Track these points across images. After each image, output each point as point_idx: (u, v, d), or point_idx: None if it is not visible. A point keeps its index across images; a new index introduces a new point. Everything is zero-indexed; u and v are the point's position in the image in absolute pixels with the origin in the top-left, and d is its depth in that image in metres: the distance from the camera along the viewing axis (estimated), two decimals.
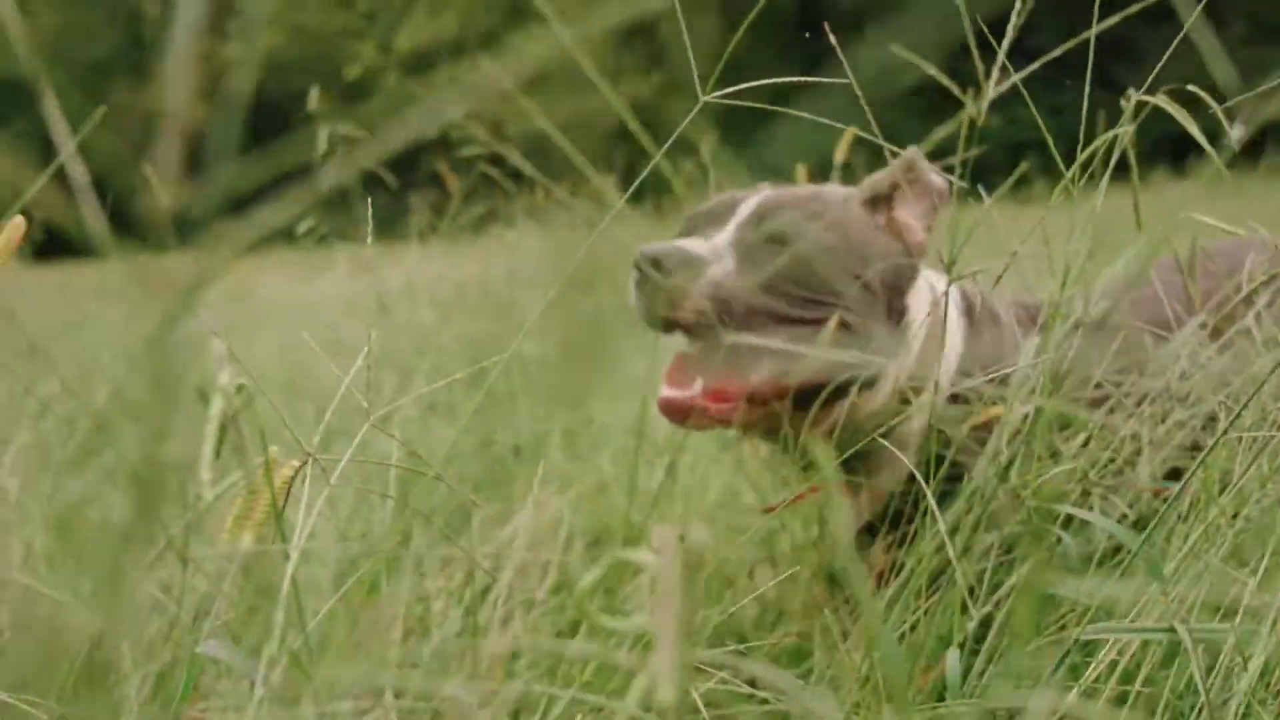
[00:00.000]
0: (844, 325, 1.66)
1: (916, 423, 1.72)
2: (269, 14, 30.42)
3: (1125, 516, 1.51)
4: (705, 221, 1.74)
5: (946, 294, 1.66)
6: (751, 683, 1.36)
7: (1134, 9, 1.32)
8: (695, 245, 1.62)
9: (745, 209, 1.72)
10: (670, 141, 1.45)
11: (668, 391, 1.63)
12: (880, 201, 1.82)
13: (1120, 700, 1.24)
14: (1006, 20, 1.39)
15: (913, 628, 1.43)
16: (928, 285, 1.82)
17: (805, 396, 1.69)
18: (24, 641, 1.75)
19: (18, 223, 1.55)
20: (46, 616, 1.72)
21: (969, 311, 1.84)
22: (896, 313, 1.73)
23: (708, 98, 1.23)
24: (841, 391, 1.70)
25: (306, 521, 1.20)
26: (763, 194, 1.75)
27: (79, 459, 2.57)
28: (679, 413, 1.62)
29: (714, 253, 1.62)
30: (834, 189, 1.82)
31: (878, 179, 1.80)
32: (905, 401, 1.73)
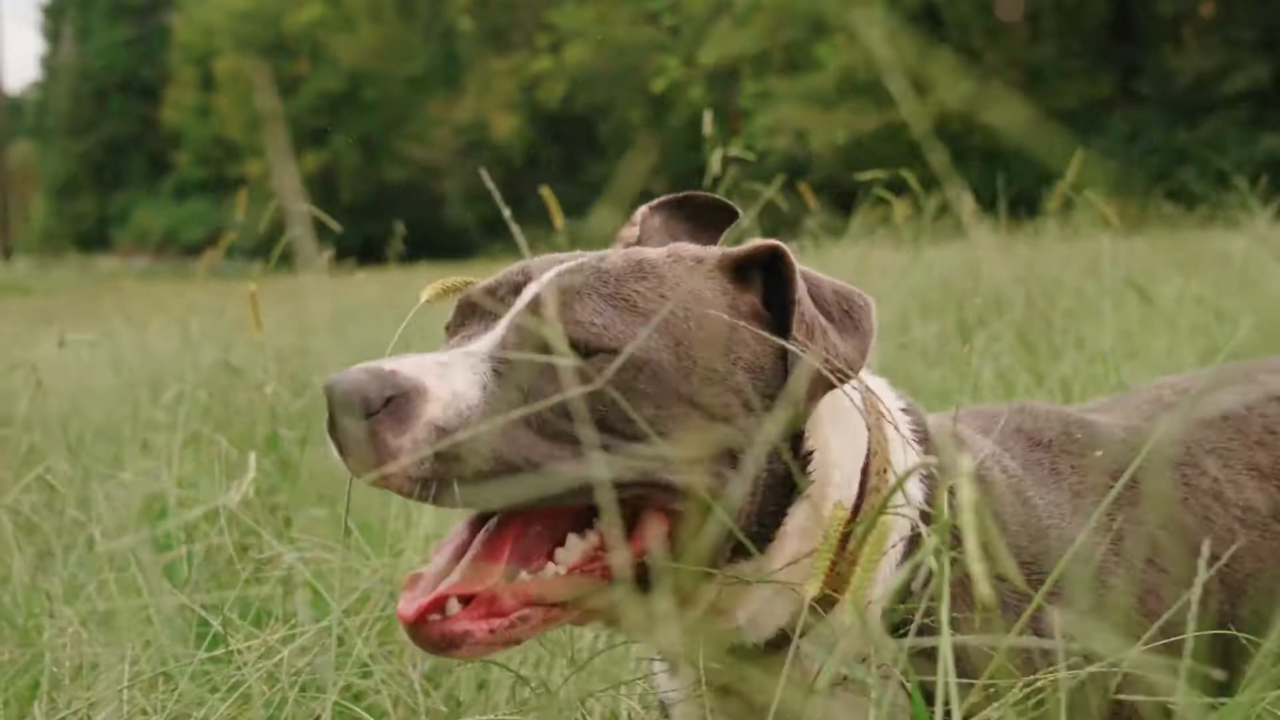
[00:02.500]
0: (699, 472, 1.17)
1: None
2: (577, 29, 31.16)
3: None
4: (475, 313, 1.26)
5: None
6: None
7: None
8: (423, 364, 1.13)
9: (528, 295, 1.22)
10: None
11: (407, 603, 1.16)
12: (753, 272, 1.28)
13: None
14: None
15: None
16: (853, 393, 1.31)
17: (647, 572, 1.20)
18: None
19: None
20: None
21: (922, 439, 1.37)
22: (790, 446, 1.24)
23: None
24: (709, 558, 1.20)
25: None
26: (560, 269, 1.24)
27: None
28: (430, 641, 1.15)
29: (449, 376, 1.13)
30: (682, 252, 1.29)
31: (752, 247, 1.28)
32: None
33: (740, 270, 1.27)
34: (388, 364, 1.11)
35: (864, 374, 1.35)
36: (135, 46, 45.15)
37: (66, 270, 28.01)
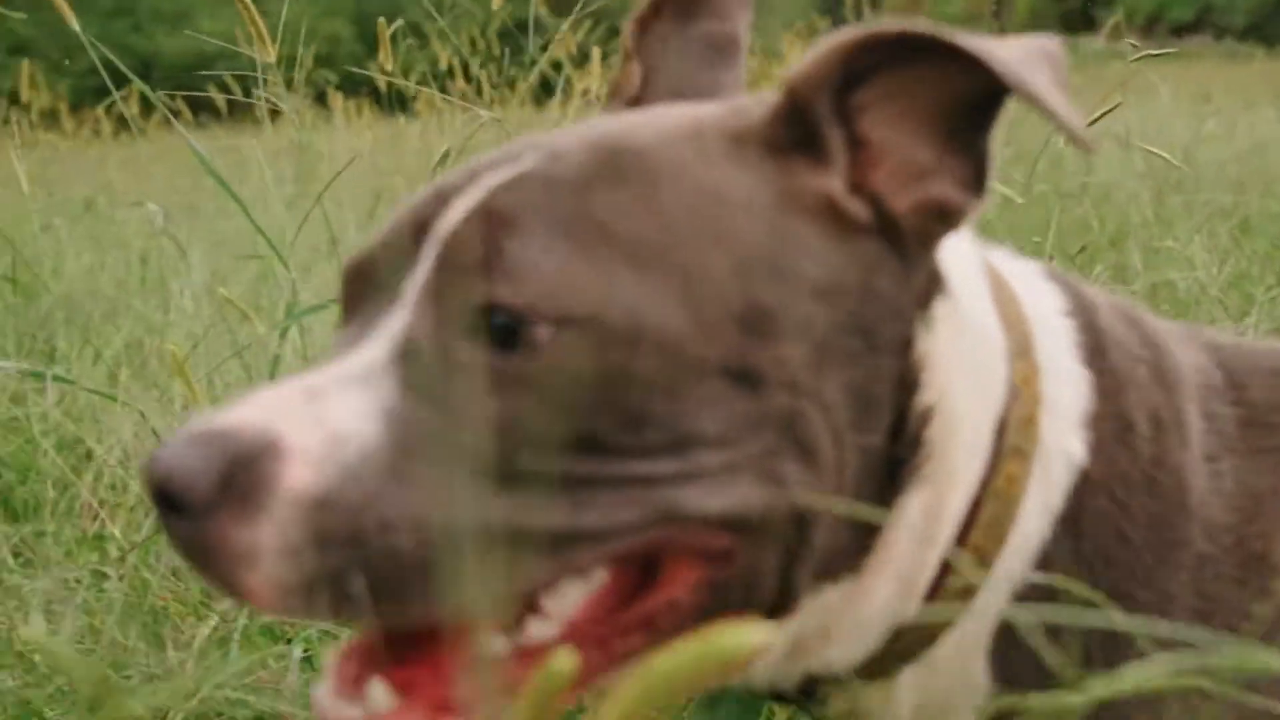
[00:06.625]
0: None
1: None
2: None
3: None
4: (371, 284, 0.75)
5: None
6: None
7: None
8: (281, 400, 0.67)
9: (439, 238, 0.71)
10: None
11: (329, 692, 0.70)
12: (800, 135, 0.75)
13: None
14: None
15: None
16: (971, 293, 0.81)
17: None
18: None
19: None
20: None
21: (1094, 353, 0.84)
22: (894, 400, 0.75)
23: None
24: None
25: None
26: (488, 184, 0.72)
27: None
28: None
29: (322, 409, 0.67)
30: (685, 121, 0.77)
31: (803, 73, 0.75)
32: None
33: (796, 129, 0.75)
34: (224, 414, 0.66)
35: (1000, 259, 0.87)
36: None
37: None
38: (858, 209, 0.74)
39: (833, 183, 0.74)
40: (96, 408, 1.92)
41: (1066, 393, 0.82)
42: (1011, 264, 0.88)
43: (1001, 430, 0.79)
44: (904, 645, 0.80)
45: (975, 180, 0.75)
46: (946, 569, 0.78)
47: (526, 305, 0.67)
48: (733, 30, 0.96)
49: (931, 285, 0.77)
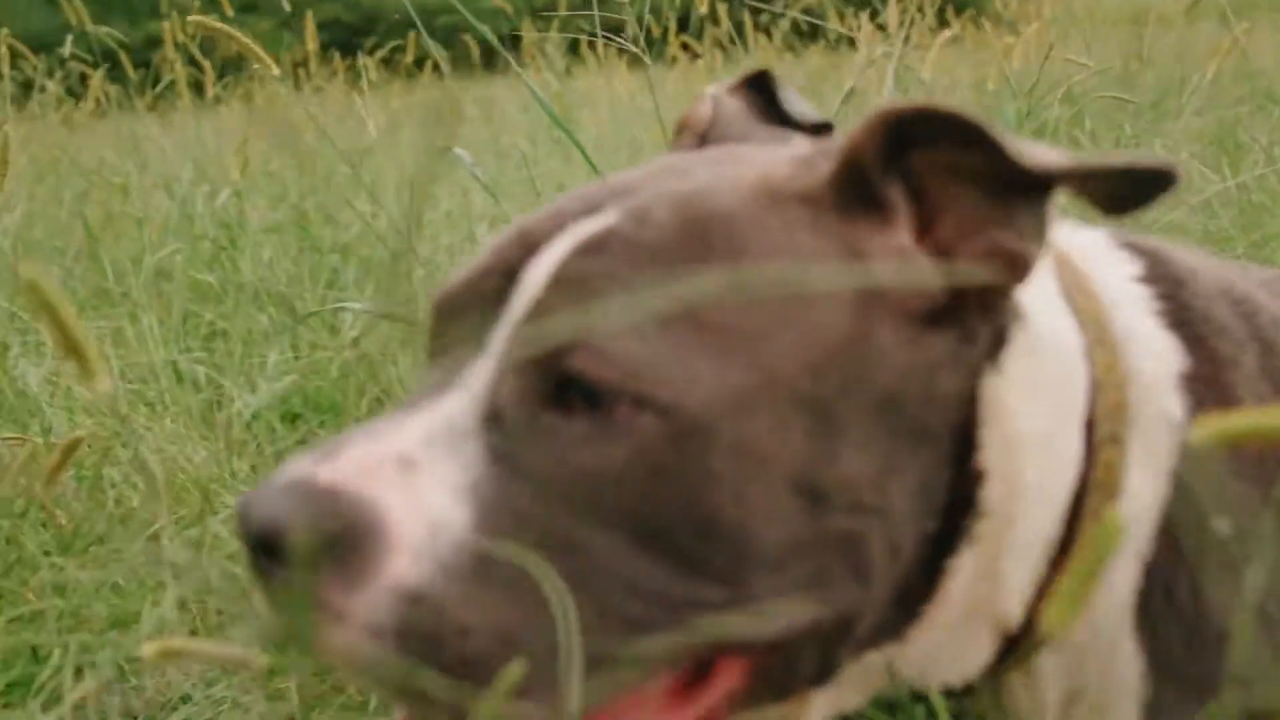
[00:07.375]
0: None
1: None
2: None
3: None
4: (459, 322, 0.74)
5: None
6: None
7: None
8: (377, 464, 0.66)
9: (526, 292, 0.71)
10: None
11: None
12: (862, 197, 0.73)
13: None
14: None
15: None
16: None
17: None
18: None
19: None
20: None
21: (1178, 321, 0.82)
22: (952, 466, 0.73)
23: None
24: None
25: None
26: (575, 240, 0.71)
27: None
28: None
29: (419, 489, 0.66)
30: (759, 170, 0.75)
31: (855, 139, 0.73)
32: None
33: (857, 193, 0.72)
34: (325, 468, 0.65)
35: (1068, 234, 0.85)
36: None
37: None
38: (927, 269, 0.72)
39: (901, 236, 0.73)
40: (386, 349, 2.00)
41: (1151, 358, 0.80)
42: (1077, 237, 0.87)
43: (1090, 425, 0.77)
44: (1030, 637, 0.78)
45: (1038, 231, 0.72)
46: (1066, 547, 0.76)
47: (608, 381, 0.66)
48: (805, 129, 0.97)
49: (1001, 331, 0.75)
